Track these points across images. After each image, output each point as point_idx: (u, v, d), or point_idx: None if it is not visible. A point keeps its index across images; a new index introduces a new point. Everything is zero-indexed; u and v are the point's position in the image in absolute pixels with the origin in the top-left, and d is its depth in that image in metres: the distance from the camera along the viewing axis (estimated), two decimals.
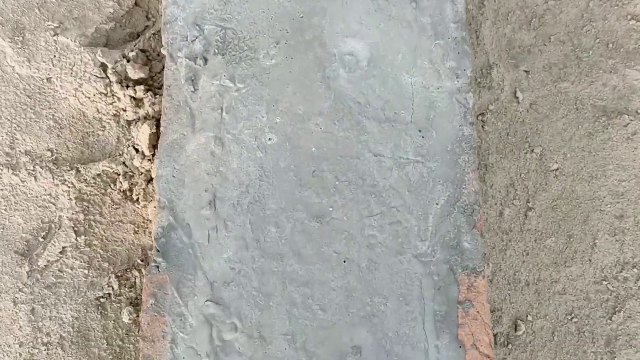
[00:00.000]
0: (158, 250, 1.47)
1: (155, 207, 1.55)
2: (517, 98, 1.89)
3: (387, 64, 1.58)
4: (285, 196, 1.50)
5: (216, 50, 1.58)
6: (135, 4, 1.85)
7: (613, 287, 1.76)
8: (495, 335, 1.73)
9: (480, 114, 1.87)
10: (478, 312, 1.46)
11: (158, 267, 1.46)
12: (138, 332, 1.61)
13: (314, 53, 1.58)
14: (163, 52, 1.60)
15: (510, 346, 1.72)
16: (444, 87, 1.58)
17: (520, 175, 1.83)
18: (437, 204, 1.51)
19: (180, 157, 1.53)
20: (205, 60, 1.58)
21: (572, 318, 1.74)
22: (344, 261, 1.48)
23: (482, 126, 1.86)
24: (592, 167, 1.84)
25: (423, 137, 1.54)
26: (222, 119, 1.54)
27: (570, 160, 1.84)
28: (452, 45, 1.60)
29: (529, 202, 1.82)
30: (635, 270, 1.76)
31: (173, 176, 1.52)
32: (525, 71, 1.91)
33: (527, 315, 1.74)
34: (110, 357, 1.61)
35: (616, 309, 1.74)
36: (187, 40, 1.59)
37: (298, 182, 1.51)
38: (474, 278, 1.48)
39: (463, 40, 1.60)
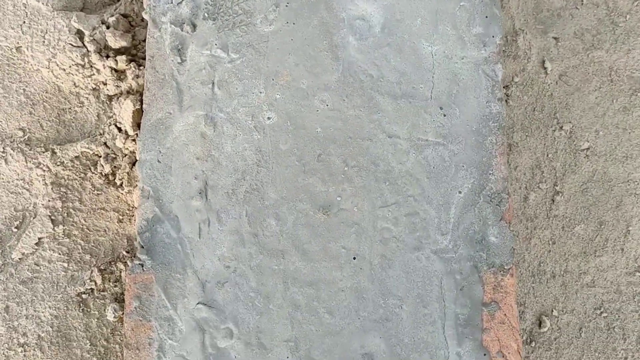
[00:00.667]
0: (142, 246, 1.25)
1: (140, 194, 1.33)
2: (545, 68, 1.63)
3: (403, 30, 1.33)
4: (286, 184, 1.27)
5: (206, 14, 1.32)
6: None
7: None
8: None
9: (504, 87, 1.62)
10: (505, 315, 1.26)
11: (142, 265, 1.24)
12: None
13: (320, 17, 1.33)
14: (145, 16, 1.34)
15: (533, 344, 1.52)
16: (469, 56, 1.33)
17: (548, 156, 1.60)
18: (460, 192, 1.28)
19: (166, 139, 1.29)
20: (194, 26, 1.32)
21: (602, 313, 1.54)
22: (354, 258, 1.26)
23: (506, 100, 1.61)
24: (627, 146, 1.60)
25: (444, 115, 1.30)
26: (213, 95, 1.30)
27: (603, 139, 1.61)
28: (479, 8, 1.34)
29: (557, 186, 1.59)
30: None
31: (158, 161, 1.29)
32: (555, 38, 1.65)
33: (552, 310, 1.54)
34: (94, 358, 1.41)
35: None
36: (172, 2, 1.33)
37: (301, 167, 1.28)
38: (501, 277, 1.26)
39: (492, 2, 1.34)
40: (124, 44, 1.49)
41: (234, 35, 1.32)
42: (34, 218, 1.44)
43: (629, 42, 1.65)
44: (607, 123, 1.62)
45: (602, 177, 1.59)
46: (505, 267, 1.26)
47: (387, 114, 1.30)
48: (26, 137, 1.47)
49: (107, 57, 1.49)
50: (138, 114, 1.45)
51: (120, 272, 1.45)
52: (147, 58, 1.33)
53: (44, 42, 1.48)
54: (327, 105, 1.30)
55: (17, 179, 1.45)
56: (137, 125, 1.45)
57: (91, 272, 1.44)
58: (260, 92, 1.30)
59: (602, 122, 1.62)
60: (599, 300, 1.55)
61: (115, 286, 1.45)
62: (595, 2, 1.68)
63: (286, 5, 1.33)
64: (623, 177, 1.59)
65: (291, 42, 1.32)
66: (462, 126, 1.30)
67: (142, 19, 1.55)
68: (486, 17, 1.34)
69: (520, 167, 1.59)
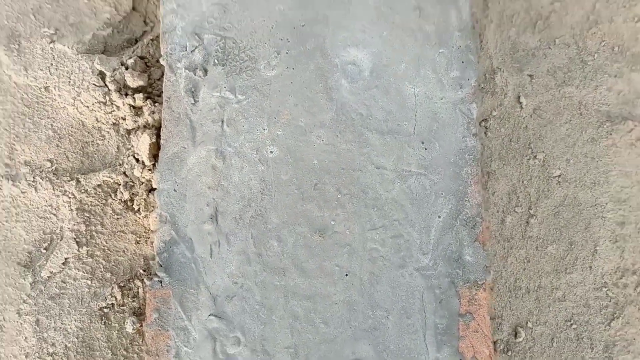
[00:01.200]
0: (161, 265, 1.50)
1: (156, 218, 1.58)
2: (520, 103, 1.90)
3: (390, 74, 1.59)
4: (287, 210, 1.52)
5: (216, 61, 1.59)
6: (133, 8, 1.85)
7: (613, 293, 1.80)
8: (495, 342, 1.77)
9: (483, 120, 1.88)
10: (479, 324, 1.50)
11: (161, 282, 1.49)
12: (142, 342, 1.65)
13: (316, 63, 1.59)
14: (162, 62, 1.60)
15: (510, 353, 1.77)
16: (447, 97, 1.59)
17: (523, 182, 1.86)
18: (439, 216, 1.54)
19: (181, 170, 1.55)
20: (205, 71, 1.59)
21: (572, 324, 1.79)
22: (346, 275, 1.51)
23: (485, 132, 1.87)
24: (595, 174, 1.86)
25: (426, 149, 1.56)
26: (223, 132, 1.56)
27: (573, 167, 1.87)
28: (456, 54, 1.61)
29: (531, 209, 1.84)
30: (635, 277, 1.80)
31: (174, 190, 1.54)
32: (529, 75, 1.92)
33: (527, 322, 1.78)
34: None
35: (615, 315, 1.79)
36: (186, 50, 1.59)
37: (300, 195, 1.53)
38: (475, 291, 1.51)
39: (467, 49, 1.61)
40: (141, 83, 1.75)
41: (241, 79, 1.58)
42: (60, 240, 1.69)
43: (596, 79, 1.92)
44: (577, 152, 1.88)
45: (572, 202, 1.85)
46: (479, 283, 1.51)
47: (375, 148, 1.56)
48: (54, 167, 1.73)
49: (126, 95, 1.75)
50: (154, 146, 1.70)
51: (138, 288, 1.70)
52: (164, 99, 1.59)
53: (69, 82, 1.75)
54: (323, 140, 1.56)
55: (45, 205, 1.70)
56: (153, 156, 1.71)
57: (112, 289, 1.68)
58: (264, 129, 1.56)
59: (573, 152, 1.88)
60: (569, 313, 1.79)
61: (134, 301, 1.69)
62: (566, 43, 1.95)
63: (286, 53, 1.59)
64: (591, 202, 1.85)
65: (291, 85, 1.58)
66: (441, 158, 1.56)
67: (157, 60, 1.82)
68: (462, 62, 1.60)
69: (498, 193, 1.84)
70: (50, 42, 1.76)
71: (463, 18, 1.61)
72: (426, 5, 1.60)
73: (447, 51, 1.61)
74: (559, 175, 1.86)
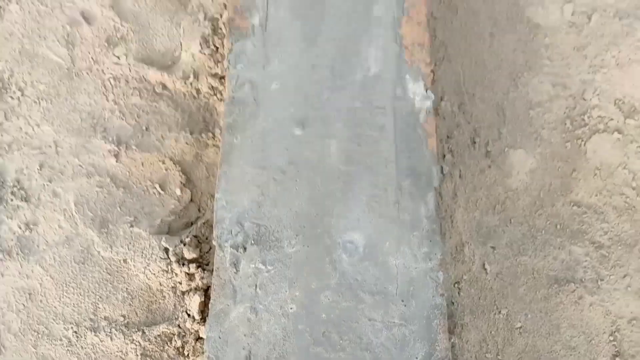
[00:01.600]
0: None
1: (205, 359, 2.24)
2: (485, 269, 2.61)
3: (378, 250, 2.34)
4: (302, 352, 2.19)
5: (252, 241, 2.36)
6: (191, 200, 2.69)
7: None
8: None
9: (456, 283, 2.59)
10: None
11: None
12: None
13: (324, 242, 2.35)
14: (214, 243, 2.39)
15: None
16: (420, 267, 2.32)
17: (491, 332, 2.50)
18: (416, 358, 2.18)
19: (224, 322, 2.25)
20: (245, 248, 2.35)
21: None
22: None
23: (458, 292, 2.56)
24: (548, 326, 2.50)
25: (405, 305, 2.25)
26: (256, 293, 2.28)
27: (531, 320, 2.52)
28: (425, 236, 2.37)
29: (499, 355, 2.46)
30: None
31: (219, 337, 2.23)
32: (492, 247, 2.66)
33: None
34: None
35: None
36: (231, 234, 2.38)
37: (312, 341, 2.20)
38: None
39: (433, 232, 2.37)
40: (194, 255, 2.53)
41: (270, 254, 2.34)
42: None
43: (544, 250, 2.64)
44: (533, 308, 2.54)
45: (532, 349, 2.47)
46: None
47: (368, 305, 2.25)
48: (126, 321, 2.44)
49: (183, 264, 2.52)
50: (202, 304, 2.43)
51: None
52: (214, 269, 2.34)
53: (142, 255, 2.53)
54: (329, 299, 2.26)
55: (117, 351, 2.39)
56: (201, 312, 2.43)
57: None
58: (286, 291, 2.28)
59: (530, 308, 2.54)
60: None
61: None
62: (520, 221, 2.71)
63: (303, 235, 2.37)
64: (547, 349, 2.47)
65: (306, 258, 2.33)
66: (417, 313, 2.24)
67: (207, 238, 2.61)
68: (430, 241, 2.36)
69: (470, 341, 2.48)
70: (130, 226, 2.58)
71: (430, 210, 2.40)
72: (403, 200, 2.41)
73: (419, 233, 2.37)
74: (520, 327, 2.51)
